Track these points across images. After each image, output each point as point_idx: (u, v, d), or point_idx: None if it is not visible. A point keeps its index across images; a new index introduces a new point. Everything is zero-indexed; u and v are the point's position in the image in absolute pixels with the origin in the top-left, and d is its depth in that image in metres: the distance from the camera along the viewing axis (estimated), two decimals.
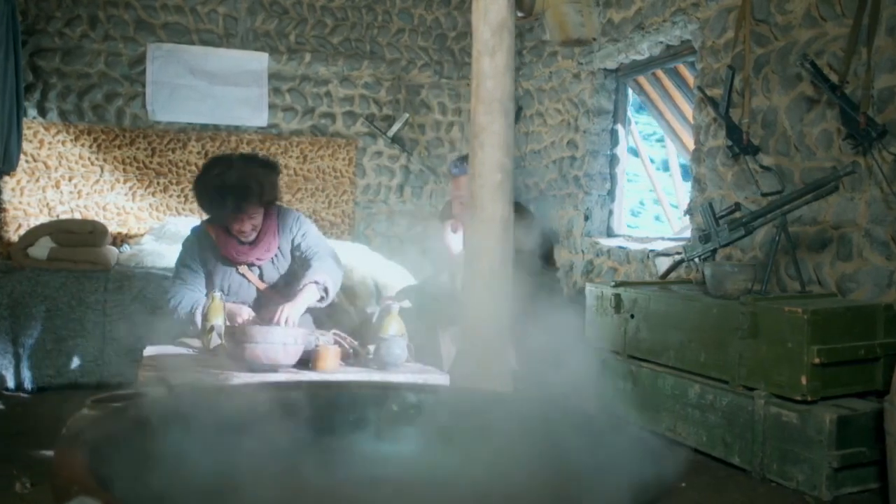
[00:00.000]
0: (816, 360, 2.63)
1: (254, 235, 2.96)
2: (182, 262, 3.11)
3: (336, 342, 2.70)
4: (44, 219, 4.68)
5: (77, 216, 4.79)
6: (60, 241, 4.05)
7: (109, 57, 4.95)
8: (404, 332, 2.75)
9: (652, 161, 6.49)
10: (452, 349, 2.87)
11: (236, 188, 2.81)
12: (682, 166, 5.88)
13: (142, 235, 4.84)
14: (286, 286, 3.12)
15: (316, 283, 2.95)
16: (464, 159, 3.17)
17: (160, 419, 0.96)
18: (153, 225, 4.93)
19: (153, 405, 1.00)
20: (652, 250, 4.23)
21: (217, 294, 2.83)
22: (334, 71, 5.46)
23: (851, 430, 2.60)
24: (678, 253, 3.63)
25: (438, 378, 2.57)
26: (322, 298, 2.97)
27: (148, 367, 2.41)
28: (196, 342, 2.92)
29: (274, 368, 2.44)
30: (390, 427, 1.04)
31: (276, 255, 3.08)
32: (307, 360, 2.56)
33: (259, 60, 5.25)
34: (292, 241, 3.08)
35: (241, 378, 2.37)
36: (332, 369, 2.49)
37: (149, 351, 2.74)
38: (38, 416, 3.48)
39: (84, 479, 0.73)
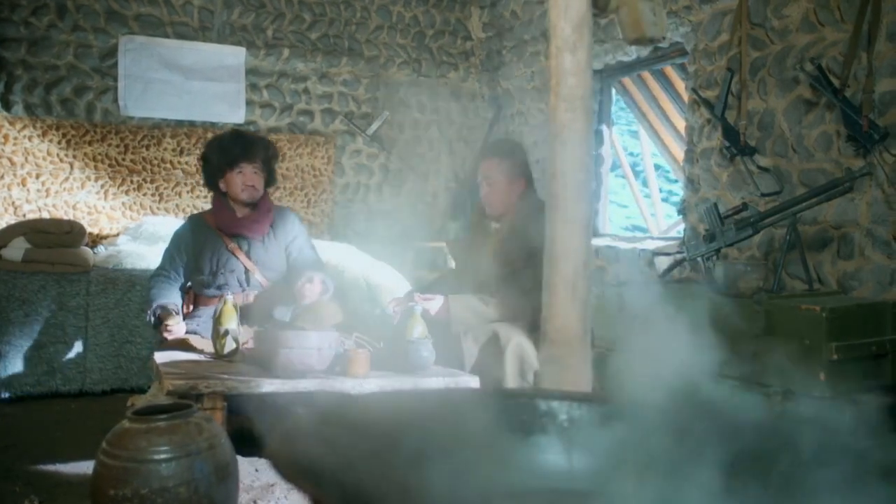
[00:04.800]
0: (834, 357, 2.69)
1: (255, 197, 3.11)
2: (168, 252, 3.20)
3: (359, 345, 2.64)
4: (9, 218, 4.44)
5: (45, 215, 4.56)
6: (36, 242, 3.83)
7: (79, 48, 4.72)
8: (427, 334, 2.70)
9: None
10: (475, 350, 2.83)
11: (248, 136, 3.19)
12: (658, 167, 5.98)
13: (116, 236, 4.63)
14: (273, 272, 3.15)
15: (323, 281, 3.09)
16: (496, 143, 3.22)
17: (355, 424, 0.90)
18: (127, 225, 4.72)
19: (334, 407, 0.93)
20: (643, 250, 4.28)
21: (229, 297, 2.73)
22: (313, 67, 5.34)
23: (868, 424, 2.67)
24: (678, 252, 3.68)
25: (468, 381, 2.54)
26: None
27: (171, 374, 2.30)
28: (206, 345, 2.81)
29: (304, 374, 2.35)
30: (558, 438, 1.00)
31: (267, 237, 3.16)
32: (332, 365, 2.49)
33: (236, 55, 5.09)
34: (289, 237, 3.21)
35: (274, 384, 2.29)
36: (364, 374, 2.42)
37: (160, 358, 2.61)
38: (21, 428, 3.28)
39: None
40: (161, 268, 3.17)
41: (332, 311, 2.82)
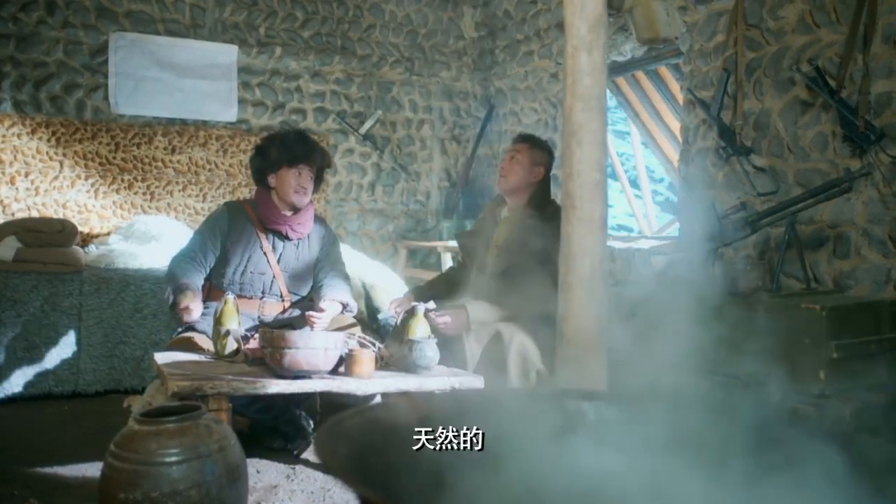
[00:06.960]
0: (834, 356, 2.71)
1: (304, 202, 3.08)
2: (200, 235, 3.07)
3: (362, 346, 2.62)
4: None
5: (35, 214, 4.49)
6: (27, 241, 3.77)
7: (69, 45, 4.65)
8: (431, 334, 2.69)
9: None
10: (477, 350, 2.83)
11: (311, 140, 3.18)
12: (647, 168, 6.00)
13: (106, 235, 4.58)
14: (298, 281, 3.10)
15: (343, 305, 3.06)
16: (532, 134, 3.34)
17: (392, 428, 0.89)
18: (118, 224, 4.67)
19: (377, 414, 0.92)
20: (638, 249, 4.29)
21: (230, 297, 2.71)
22: (305, 66, 5.31)
23: (867, 422, 2.70)
24: (675, 251, 3.69)
25: (472, 381, 2.53)
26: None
27: (175, 375, 2.27)
28: (207, 343, 2.78)
29: (309, 374, 2.34)
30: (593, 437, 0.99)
31: (302, 242, 3.12)
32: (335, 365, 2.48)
33: (228, 53, 5.05)
34: (322, 250, 3.17)
35: (280, 385, 2.27)
36: (368, 374, 2.41)
37: (161, 358, 2.58)
38: (14, 430, 3.23)
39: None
40: (189, 250, 3.02)
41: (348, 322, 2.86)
